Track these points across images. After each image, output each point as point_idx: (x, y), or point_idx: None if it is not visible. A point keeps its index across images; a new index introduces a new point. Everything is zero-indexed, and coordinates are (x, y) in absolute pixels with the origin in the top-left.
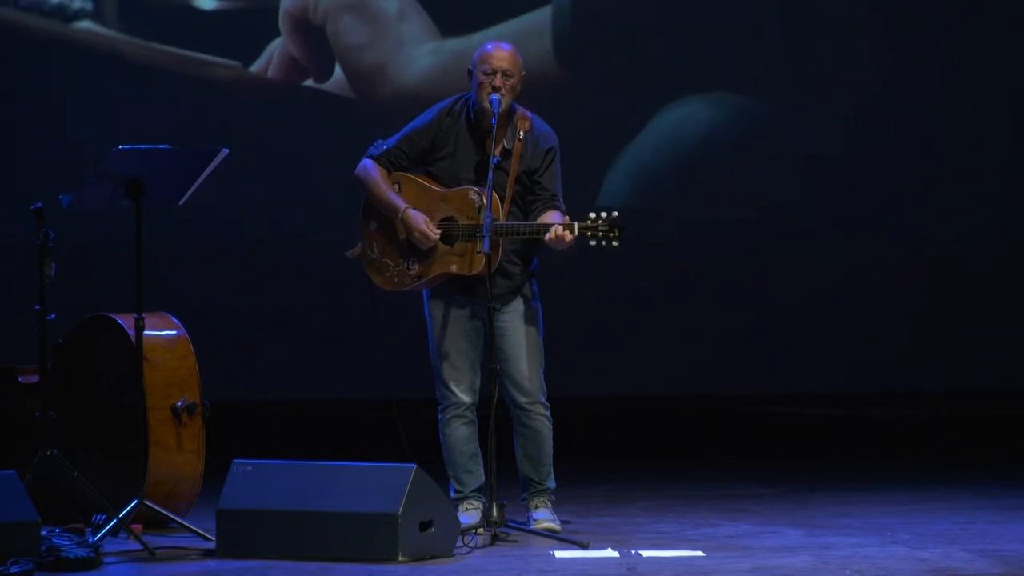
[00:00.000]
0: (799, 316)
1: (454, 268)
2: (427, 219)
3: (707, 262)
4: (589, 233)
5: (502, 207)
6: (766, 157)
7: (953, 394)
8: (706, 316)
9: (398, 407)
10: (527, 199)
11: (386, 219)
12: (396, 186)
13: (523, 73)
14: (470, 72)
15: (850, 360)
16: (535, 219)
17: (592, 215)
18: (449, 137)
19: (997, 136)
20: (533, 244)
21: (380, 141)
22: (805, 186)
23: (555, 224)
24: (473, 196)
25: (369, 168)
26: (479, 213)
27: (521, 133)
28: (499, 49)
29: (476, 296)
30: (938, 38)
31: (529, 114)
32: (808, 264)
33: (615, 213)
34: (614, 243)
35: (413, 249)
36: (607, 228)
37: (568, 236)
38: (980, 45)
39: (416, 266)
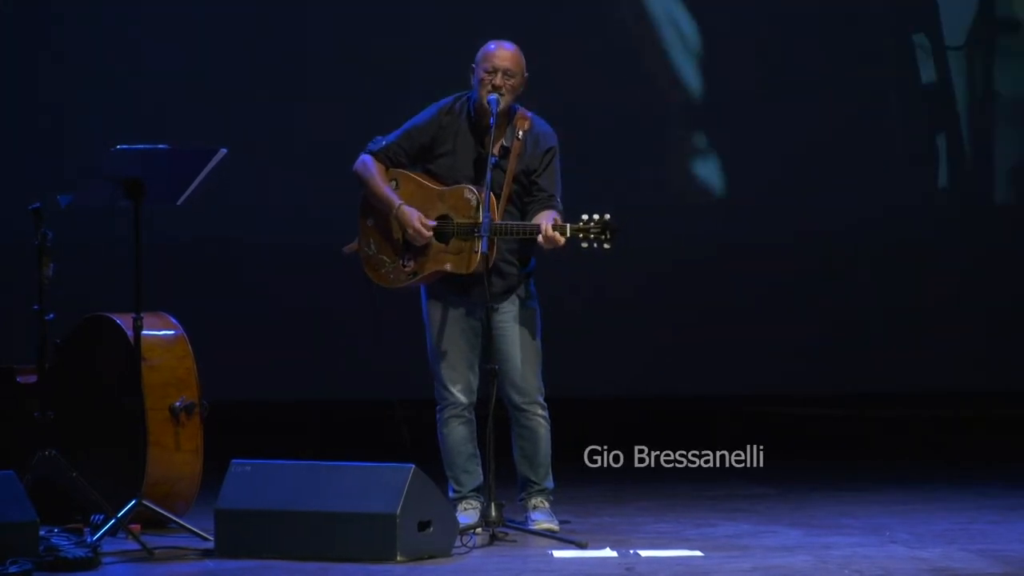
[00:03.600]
0: (799, 316)
1: (448, 267)
2: (421, 216)
3: (707, 262)
4: (580, 235)
5: (498, 206)
6: (767, 157)
7: (953, 394)
8: (707, 316)
9: (399, 406)
10: (524, 199)
11: (381, 215)
12: (393, 183)
13: (526, 74)
14: (472, 69)
15: (851, 360)
16: (531, 219)
17: (584, 217)
18: (449, 135)
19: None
20: (530, 244)
21: (379, 137)
22: (804, 187)
23: (544, 225)
24: (469, 195)
25: (367, 163)
26: (474, 212)
27: (520, 132)
28: (501, 48)
29: (472, 296)
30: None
31: (529, 114)
32: (808, 265)
33: (607, 216)
34: (605, 246)
35: (409, 246)
36: (599, 231)
37: (560, 238)
38: None
39: (411, 263)
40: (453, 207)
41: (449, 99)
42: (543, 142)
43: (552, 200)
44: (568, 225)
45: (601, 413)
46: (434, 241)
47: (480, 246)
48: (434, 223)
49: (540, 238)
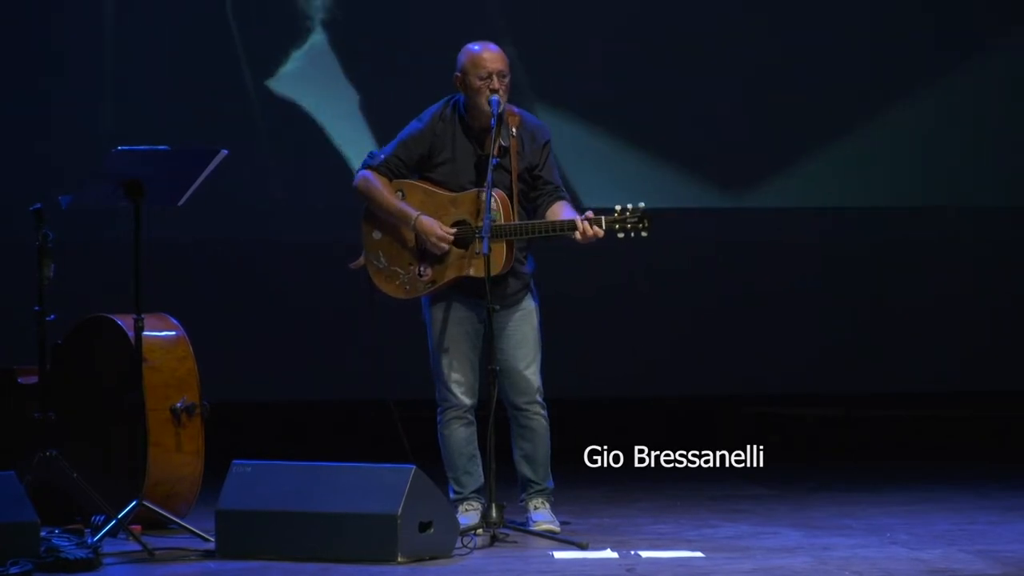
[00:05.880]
0: (799, 317)
1: (471, 271)
2: (440, 224)
3: (707, 262)
4: (617, 226)
5: (512, 206)
6: (768, 157)
7: (953, 394)
8: (707, 316)
9: (396, 407)
10: (530, 195)
11: (391, 227)
12: (399, 193)
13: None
14: (458, 78)
15: (851, 360)
16: (543, 213)
17: (618, 208)
18: (446, 142)
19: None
20: (532, 242)
21: (375, 151)
22: (805, 186)
23: (581, 220)
24: (485, 197)
25: (369, 178)
26: (495, 214)
27: (514, 130)
28: (488, 51)
29: (485, 298)
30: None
31: (516, 109)
32: (808, 265)
33: (642, 204)
34: (643, 234)
35: (424, 255)
36: (636, 220)
37: (599, 231)
38: None
39: (428, 271)
40: (469, 211)
41: (439, 105)
42: (539, 136)
43: (559, 191)
44: (604, 217)
45: (601, 413)
46: (452, 247)
47: (482, 247)
48: (453, 230)
49: (577, 234)
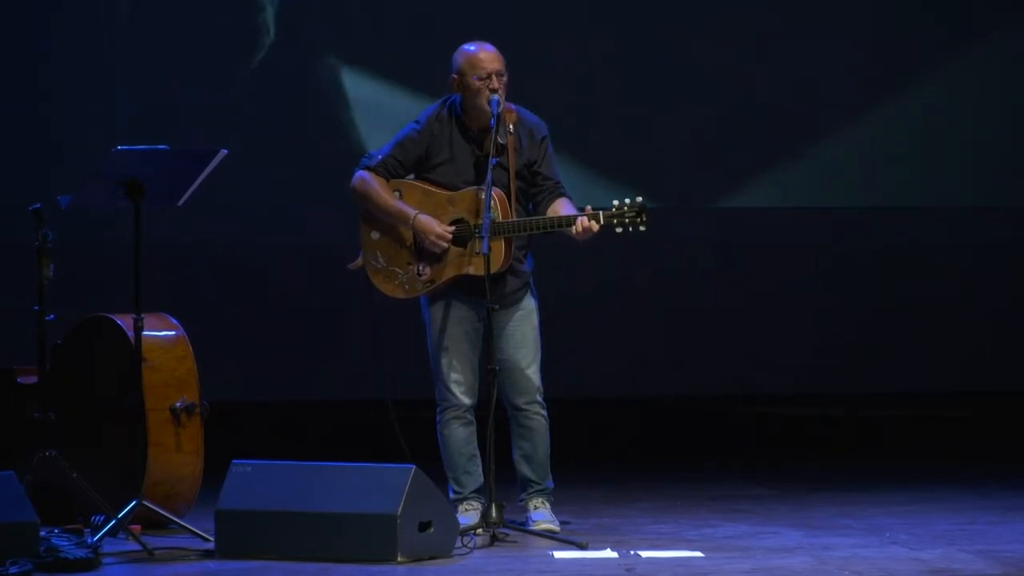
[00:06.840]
0: (799, 317)
1: (470, 269)
2: (438, 222)
3: (707, 262)
4: (615, 220)
5: (509, 205)
6: (767, 157)
7: (953, 394)
8: (706, 317)
9: (394, 407)
10: (531, 191)
11: (389, 227)
12: (397, 193)
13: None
14: (455, 79)
15: (850, 360)
16: (544, 210)
17: (616, 202)
18: (443, 143)
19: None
20: (532, 241)
21: (372, 152)
22: (805, 186)
23: (578, 216)
24: (483, 195)
25: (367, 179)
26: (494, 212)
27: (511, 127)
28: (484, 51)
29: (485, 296)
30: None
31: (512, 106)
32: (808, 265)
33: (639, 198)
34: (641, 228)
35: (422, 254)
36: (634, 214)
37: (595, 226)
38: None
39: (427, 271)
40: (467, 210)
41: (435, 106)
42: (537, 132)
43: (560, 187)
44: (601, 212)
45: (601, 413)
46: (450, 246)
47: (482, 246)
48: (452, 228)
49: (574, 230)
